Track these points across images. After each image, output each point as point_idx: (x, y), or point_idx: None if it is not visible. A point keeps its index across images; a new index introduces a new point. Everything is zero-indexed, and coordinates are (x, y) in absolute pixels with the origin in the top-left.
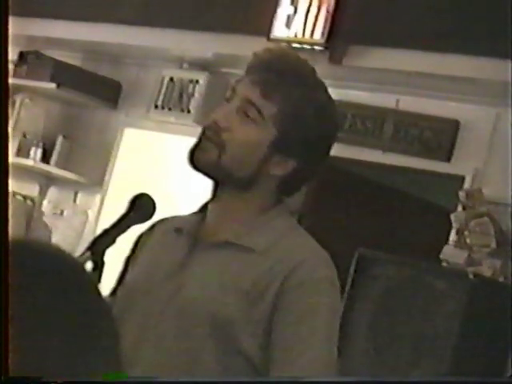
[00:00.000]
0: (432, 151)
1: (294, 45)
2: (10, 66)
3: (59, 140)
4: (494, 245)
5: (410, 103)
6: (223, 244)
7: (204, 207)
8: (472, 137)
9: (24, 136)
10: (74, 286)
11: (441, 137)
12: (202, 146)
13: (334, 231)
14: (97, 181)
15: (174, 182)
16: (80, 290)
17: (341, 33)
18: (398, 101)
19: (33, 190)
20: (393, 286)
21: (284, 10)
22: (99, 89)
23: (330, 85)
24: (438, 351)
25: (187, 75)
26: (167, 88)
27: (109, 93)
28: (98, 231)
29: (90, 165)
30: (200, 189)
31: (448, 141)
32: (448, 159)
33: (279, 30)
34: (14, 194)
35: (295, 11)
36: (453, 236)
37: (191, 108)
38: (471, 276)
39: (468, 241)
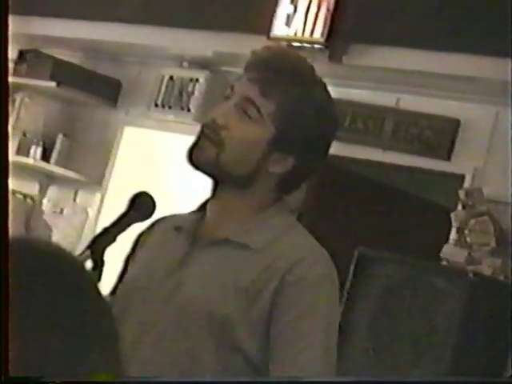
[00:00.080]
0: (432, 150)
1: (294, 43)
2: (10, 65)
3: (59, 138)
4: (493, 243)
5: (410, 102)
6: (222, 241)
7: (203, 205)
8: (472, 136)
9: (24, 135)
10: (74, 285)
11: (441, 136)
12: (200, 144)
13: (333, 230)
14: (97, 179)
15: (174, 181)
16: (80, 289)
17: (341, 31)
18: (398, 99)
19: (33, 188)
20: (393, 284)
21: (284, 8)
22: (99, 87)
23: (329, 83)
24: (437, 350)
25: (187, 74)
26: (167, 86)
27: (109, 91)
28: (98, 230)
29: (90, 163)
30: (200, 187)
31: (448, 140)
32: (448, 158)
33: (279, 29)
34: (14, 192)
35: (295, 10)
36: (453, 235)
37: (191, 106)
38: (471, 275)
39: (468, 239)
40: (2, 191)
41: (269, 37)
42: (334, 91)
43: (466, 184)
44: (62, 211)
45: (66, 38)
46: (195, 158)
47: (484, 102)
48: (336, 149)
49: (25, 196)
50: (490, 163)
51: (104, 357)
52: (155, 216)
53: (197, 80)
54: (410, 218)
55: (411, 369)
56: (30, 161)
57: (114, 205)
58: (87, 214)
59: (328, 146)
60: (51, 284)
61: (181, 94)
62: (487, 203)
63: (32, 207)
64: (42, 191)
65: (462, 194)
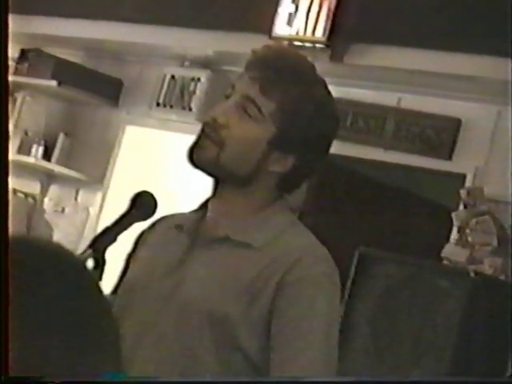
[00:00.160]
0: (433, 149)
1: (296, 43)
2: (12, 64)
3: (60, 137)
4: (495, 243)
5: (412, 101)
6: (223, 240)
7: (204, 204)
8: (473, 135)
9: (25, 133)
10: (75, 284)
11: (442, 135)
12: (200, 143)
13: (335, 229)
14: (98, 178)
15: (176, 180)
16: (81, 288)
17: (342, 31)
18: (399, 99)
19: (34, 187)
20: (394, 284)
21: (285, 7)
22: (100, 86)
23: (331, 83)
24: (438, 350)
25: (189, 73)
26: (169, 86)
27: (110, 90)
28: (100, 229)
29: (92, 162)
30: (201, 186)
31: (449, 139)
32: (449, 157)
33: (281, 28)
34: (16, 191)
35: (296, 9)
36: (454, 234)
37: (193, 106)
38: (472, 274)
39: (469, 239)
40: (2, 190)
41: (270, 36)
42: (335, 90)
43: (467, 183)
44: (63, 210)
45: (67, 37)
46: (196, 157)
47: (485, 101)
48: (337, 148)
49: (26, 195)
50: (491, 163)
51: (104, 356)
52: (157, 215)
53: (198, 79)
54: (411, 218)
55: (411, 369)
56: (31, 160)
57: (116, 204)
58: (88, 213)
59: (329, 145)
60: (52, 283)
61: (182, 93)
62: (488, 203)
63: (33, 206)
64: (44, 190)
65: (463, 193)
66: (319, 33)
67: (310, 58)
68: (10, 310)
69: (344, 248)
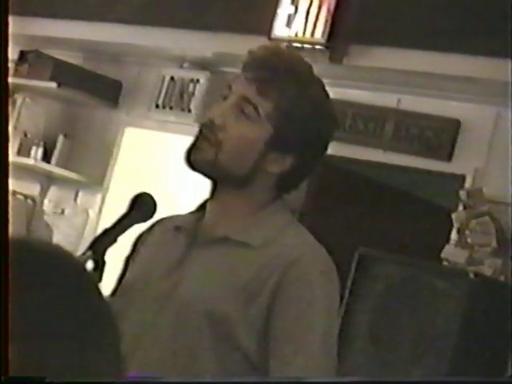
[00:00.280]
0: (433, 150)
1: (295, 44)
2: (11, 66)
3: (60, 139)
4: (494, 244)
5: (411, 103)
6: (221, 240)
7: (203, 206)
8: (473, 136)
9: (25, 135)
10: (75, 285)
11: (441, 136)
12: (198, 145)
13: (334, 230)
14: (97, 180)
15: (175, 181)
16: (80, 289)
17: (341, 32)
18: (398, 100)
19: (33, 189)
20: (393, 285)
21: (285, 9)
22: (100, 88)
23: (330, 84)
24: (437, 350)
25: (188, 74)
26: (168, 87)
27: (109, 92)
28: (99, 230)
29: (91, 164)
30: (201, 188)
31: (449, 140)
32: (449, 158)
33: (280, 30)
34: (15, 193)
35: (296, 10)
36: (453, 235)
37: (192, 107)
38: (472, 275)
39: (469, 240)
40: (2, 192)
41: (269, 37)
42: (334, 92)
43: (467, 184)
44: (62, 212)
45: (66, 38)
46: (193, 159)
47: (484, 102)
48: (337, 149)
49: (25, 197)
50: (490, 164)
51: (104, 357)
52: (156, 217)
53: (197, 81)
54: (411, 219)
55: (411, 369)
56: (30, 161)
57: (115, 205)
58: (88, 214)
59: (326, 144)
60: (52, 285)
61: (181, 94)
62: (488, 204)
63: (33, 208)
64: (43, 192)
65: (462, 194)
66: (318, 34)
67: (309, 60)
68: (10, 311)
69: (344, 249)
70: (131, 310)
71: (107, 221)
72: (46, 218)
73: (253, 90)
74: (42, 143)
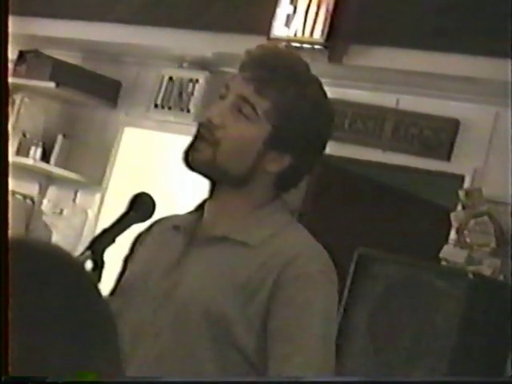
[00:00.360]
0: (432, 150)
1: (294, 44)
2: (10, 66)
3: (59, 139)
4: (493, 244)
5: (410, 102)
6: (219, 239)
7: (201, 206)
8: (472, 136)
9: (24, 135)
10: (74, 285)
11: (441, 136)
12: (196, 145)
13: (333, 230)
14: (96, 180)
15: (174, 181)
16: (79, 289)
17: (340, 32)
18: (397, 100)
19: (32, 189)
20: (393, 284)
21: (283, 9)
22: (99, 88)
23: (329, 84)
24: (437, 350)
25: (187, 74)
26: (167, 87)
27: (108, 92)
28: (98, 230)
29: (90, 164)
30: (200, 188)
31: (448, 140)
32: (448, 158)
33: (279, 30)
34: (14, 193)
35: (295, 10)
36: (452, 235)
37: (191, 107)
38: (471, 275)
39: (468, 240)
40: (1, 192)
41: (269, 37)
42: (333, 92)
43: (466, 184)
44: (61, 212)
45: (65, 38)
46: (191, 159)
47: (484, 102)
48: (336, 149)
49: (24, 197)
50: (489, 163)
51: (104, 356)
52: (155, 217)
53: (196, 81)
54: (410, 219)
55: (411, 369)
56: (29, 161)
57: (114, 205)
58: (87, 214)
59: (324, 143)
60: (51, 284)
61: (180, 94)
62: (487, 204)
63: (32, 208)
64: (42, 192)
65: (461, 194)
66: (317, 34)
67: (308, 60)
68: (10, 311)
69: (343, 249)
70: (130, 310)
71: (106, 221)
72: (44, 218)
73: (250, 90)
74: (40, 143)
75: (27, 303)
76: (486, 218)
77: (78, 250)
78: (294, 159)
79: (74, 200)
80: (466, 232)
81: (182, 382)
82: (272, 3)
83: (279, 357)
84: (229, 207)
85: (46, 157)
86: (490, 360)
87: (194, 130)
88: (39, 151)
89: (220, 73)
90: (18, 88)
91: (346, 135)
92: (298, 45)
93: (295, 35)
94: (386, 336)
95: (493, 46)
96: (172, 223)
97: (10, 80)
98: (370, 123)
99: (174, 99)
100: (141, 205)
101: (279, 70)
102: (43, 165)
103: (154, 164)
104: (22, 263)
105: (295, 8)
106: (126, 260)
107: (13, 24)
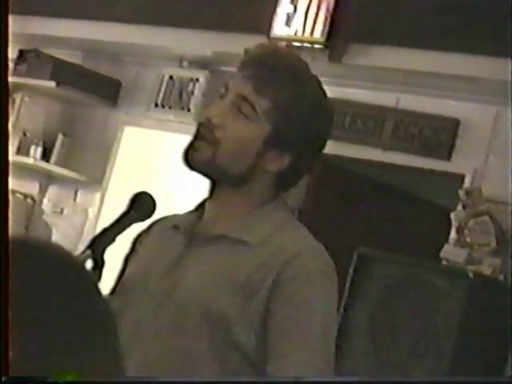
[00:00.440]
0: (432, 150)
1: (294, 43)
2: (10, 65)
3: (59, 138)
4: (493, 243)
5: (410, 102)
6: (219, 238)
7: (201, 205)
8: (472, 135)
9: (24, 134)
10: (74, 284)
11: (441, 135)
12: (196, 145)
13: (333, 229)
14: (97, 179)
15: (174, 181)
16: (80, 288)
17: (341, 31)
18: (398, 99)
19: (33, 188)
20: (392, 284)
21: (284, 8)
22: (99, 87)
23: (329, 83)
24: (437, 350)
25: (187, 73)
26: (167, 86)
27: (108, 91)
28: (98, 230)
29: (90, 163)
30: (200, 187)
31: (448, 139)
32: (448, 158)
33: (279, 29)
34: (14, 192)
35: (295, 10)
36: (453, 234)
37: (191, 106)
38: (471, 274)
39: (468, 239)
40: (2, 191)
41: (269, 37)
42: (333, 91)
43: (466, 184)
44: (62, 211)
45: (66, 37)
46: (191, 158)
47: (484, 101)
48: (336, 149)
49: (25, 196)
50: (489, 163)
51: (104, 356)
52: (155, 216)
53: (197, 80)
54: (410, 218)
55: (411, 369)
56: (29, 160)
57: (114, 205)
58: (87, 213)
59: (324, 142)
60: (51, 284)
61: (181, 93)
62: (487, 203)
63: (32, 207)
64: (42, 191)
65: (461, 193)
66: (318, 33)
67: (308, 59)
68: (10, 310)
69: (343, 248)
70: (130, 309)
71: (106, 220)
72: (45, 217)
73: (250, 89)
74: (41, 142)
75: (27, 302)
76: (486, 217)
77: (79, 249)
78: (293, 158)
79: (74, 199)
80: (466, 231)
81: (181, 381)
82: (272, 2)
83: (279, 356)
84: (229, 206)
85: (46, 156)
86: (489, 360)
87: (194, 129)
88: (39, 150)
89: (220, 72)
90: (19, 87)
91: (346, 135)
92: (298, 44)
93: (295, 34)
94: (386, 336)
95: (493, 46)
96: (172, 223)
97: (11, 79)
98: (370, 123)
99: (174, 98)
100: (141, 204)
101: (279, 69)
102: (43, 164)
103: (154, 163)
104: (23, 262)
105: (295, 7)
106: (127, 259)
107: (13, 23)
